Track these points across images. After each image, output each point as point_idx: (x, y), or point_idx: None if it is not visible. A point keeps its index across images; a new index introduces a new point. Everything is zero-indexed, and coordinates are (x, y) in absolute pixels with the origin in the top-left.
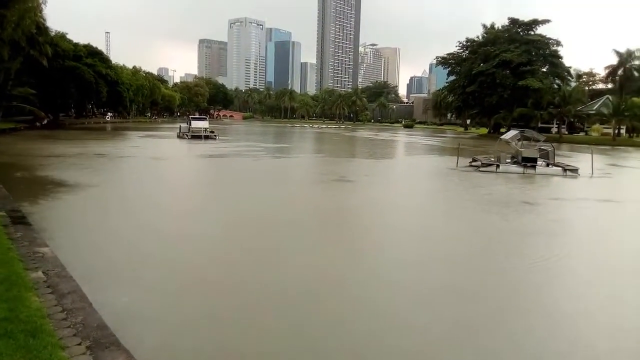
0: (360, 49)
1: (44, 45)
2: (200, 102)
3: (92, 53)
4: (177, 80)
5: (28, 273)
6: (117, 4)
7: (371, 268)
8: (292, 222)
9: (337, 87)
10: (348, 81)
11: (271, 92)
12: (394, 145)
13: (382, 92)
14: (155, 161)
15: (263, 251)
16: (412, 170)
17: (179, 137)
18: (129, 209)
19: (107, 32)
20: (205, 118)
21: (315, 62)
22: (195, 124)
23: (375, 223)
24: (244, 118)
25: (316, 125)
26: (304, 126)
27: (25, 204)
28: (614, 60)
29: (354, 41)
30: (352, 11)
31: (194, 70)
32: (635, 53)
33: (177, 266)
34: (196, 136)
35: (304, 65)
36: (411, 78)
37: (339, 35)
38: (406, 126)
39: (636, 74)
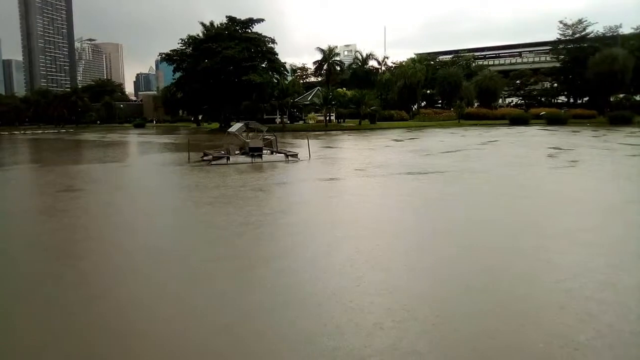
0: (77, 44)
1: None
2: None
3: None
4: None
5: None
6: None
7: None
8: None
9: (53, 86)
10: (65, 80)
11: None
12: (124, 147)
13: (106, 90)
14: None
15: None
16: (142, 171)
17: None
18: None
19: None
20: None
21: (22, 59)
22: None
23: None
24: None
25: (30, 132)
26: (14, 133)
27: None
28: (319, 56)
29: (67, 36)
30: (62, 3)
31: None
32: (335, 50)
33: None
34: None
35: (7, 63)
36: (138, 75)
37: (49, 28)
38: (137, 125)
39: (338, 68)
